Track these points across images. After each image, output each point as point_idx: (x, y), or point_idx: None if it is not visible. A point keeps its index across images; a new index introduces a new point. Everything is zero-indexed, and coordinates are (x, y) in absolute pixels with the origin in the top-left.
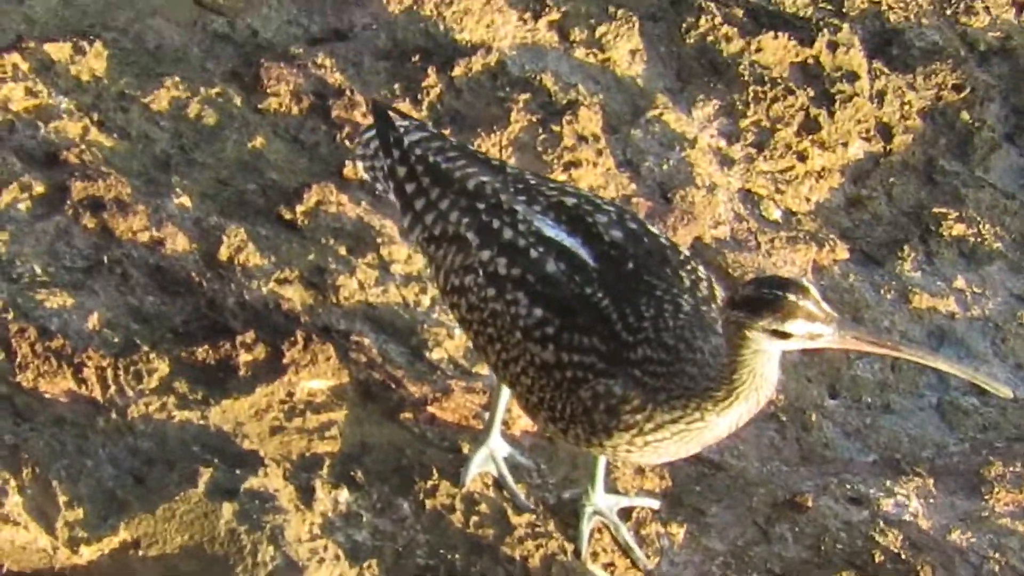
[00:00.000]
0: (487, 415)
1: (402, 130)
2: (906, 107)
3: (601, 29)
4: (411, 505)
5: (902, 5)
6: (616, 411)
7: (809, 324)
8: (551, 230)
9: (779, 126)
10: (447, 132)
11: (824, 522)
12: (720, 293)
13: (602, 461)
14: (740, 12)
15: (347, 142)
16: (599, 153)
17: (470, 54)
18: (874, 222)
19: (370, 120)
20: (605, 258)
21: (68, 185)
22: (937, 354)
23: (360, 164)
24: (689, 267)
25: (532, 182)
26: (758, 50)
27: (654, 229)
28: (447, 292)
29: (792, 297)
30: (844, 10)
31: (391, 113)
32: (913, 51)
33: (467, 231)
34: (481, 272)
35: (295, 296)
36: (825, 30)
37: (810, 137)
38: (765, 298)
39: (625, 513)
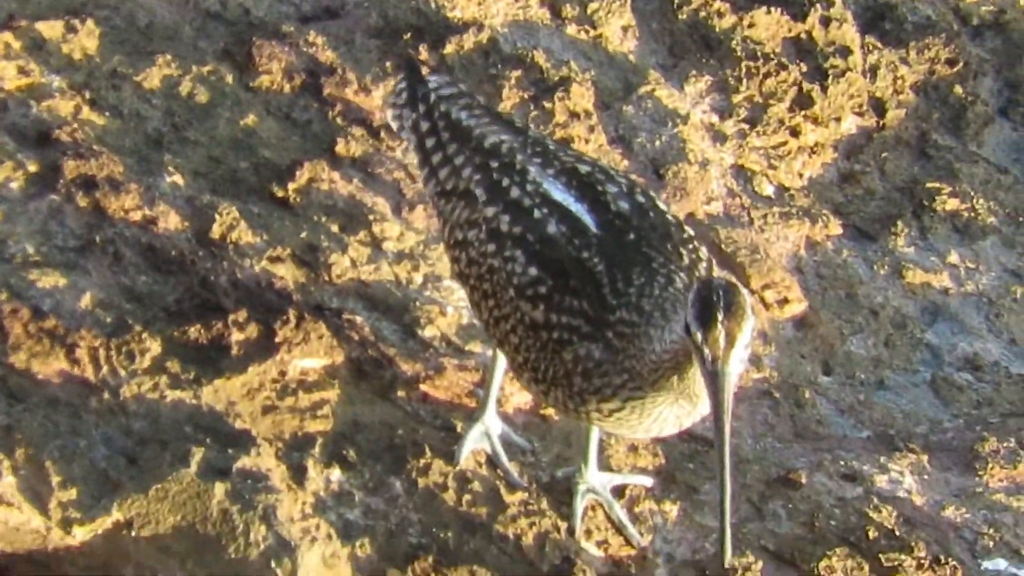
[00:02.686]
0: (481, 393)
1: (431, 85)
2: (899, 82)
3: (593, 5)
4: (403, 484)
5: None
6: (590, 375)
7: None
8: (559, 193)
9: (772, 101)
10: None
11: (818, 499)
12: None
13: (595, 439)
14: None
15: (339, 120)
16: (591, 129)
17: (461, 31)
18: (867, 197)
19: (362, 98)
20: (608, 226)
21: (60, 164)
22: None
23: (389, 113)
24: (691, 246)
25: (551, 147)
26: (751, 25)
27: (662, 205)
28: (451, 246)
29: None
30: None
31: (421, 67)
32: (906, 26)
33: (476, 187)
34: (484, 227)
35: (287, 274)
36: (817, 5)
37: (803, 112)
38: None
39: (618, 491)
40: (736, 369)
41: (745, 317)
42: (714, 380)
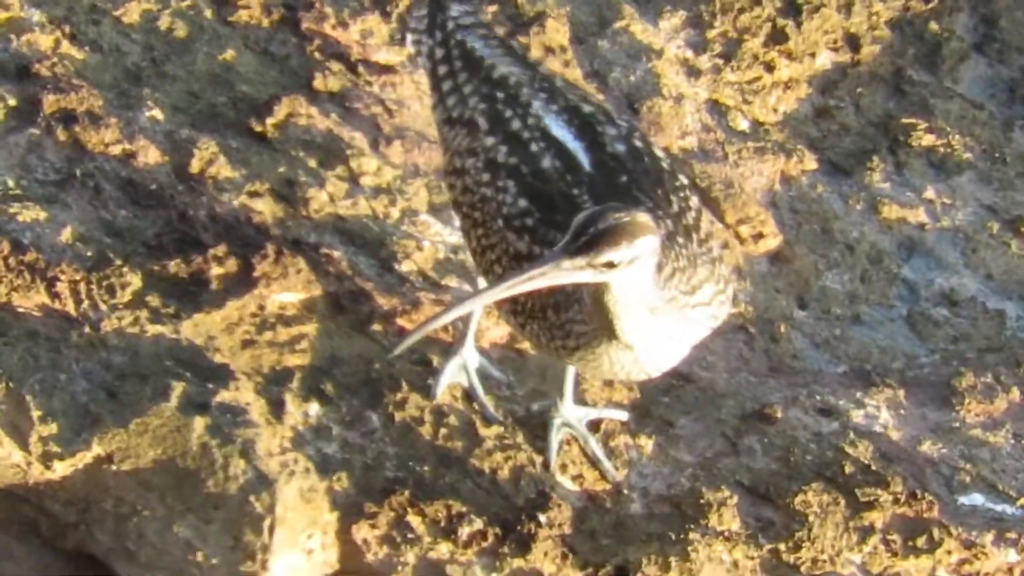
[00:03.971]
0: (460, 326)
1: (452, 13)
2: (874, 17)
3: None
4: (380, 418)
5: None
6: (559, 308)
7: None
8: (559, 130)
9: (746, 36)
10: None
11: (793, 433)
12: (706, 227)
13: (571, 373)
14: None
15: (317, 54)
16: (566, 64)
17: None
18: (842, 133)
19: (339, 32)
20: (601, 166)
21: (40, 98)
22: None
23: (408, 38)
24: (682, 194)
25: (559, 85)
26: None
27: (659, 152)
28: (449, 173)
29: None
30: None
31: None
32: None
33: (480, 116)
34: (482, 156)
35: (266, 209)
36: None
37: (777, 48)
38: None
39: (594, 425)
40: (570, 271)
41: (609, 240)
42: (537, 260)
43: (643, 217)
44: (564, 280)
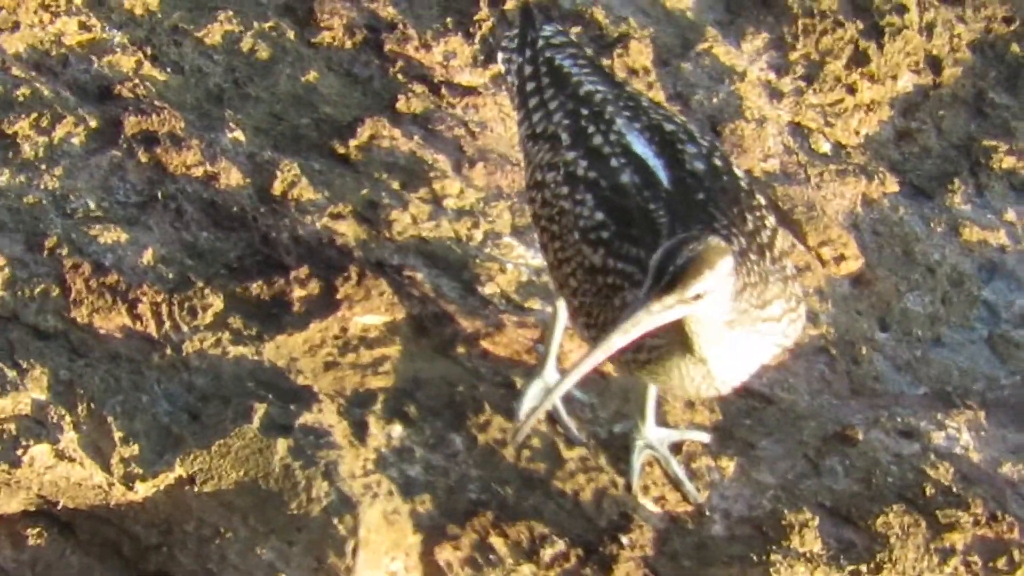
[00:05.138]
0: (541, 349)
1: (544, 33)
2: (956, 39)
3: None
4: (463, 440)
5: None
6: None
7: None
8: (640, 146)
9: (828, 59)
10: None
11: (875, 455)
12: (781, 245)
13: (652, 395)
14: None
15: (400, 76)
16: (649, 86)
17: None
18: (924, 155)
19: (423, 54)
20: (680, 183)
21: (122, 120)
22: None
23: (499, 56)
24: (758, 213)
25: (644, 104)
26: None
27: (739, 172)
28: (530, 186)
29: None
30: None
31: (535, 15)
32: None
33: (563, 131)
34: (562, 170)
35: (348, 231)
36: None
37: (859, 70)
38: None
39: (676, 447)
40: (659, 313)
41: (692, 272)
42: (628, 308)
43: (715, 240)
44: (659, 323)
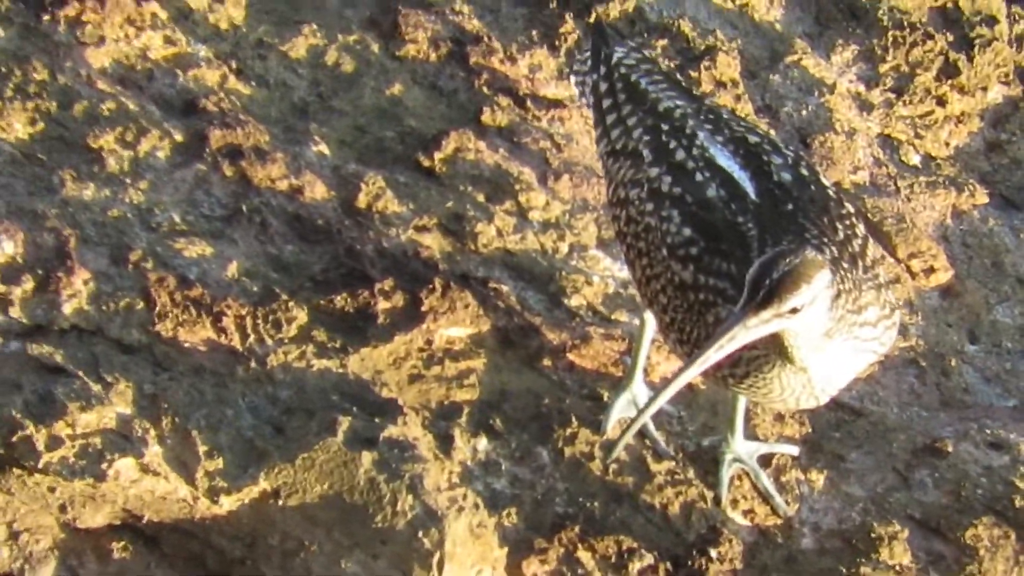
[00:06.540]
0: (628, 362)
1: (617, 51)
2: None
3: None
4: (550, 453)
5: None
6: None
7: None
8: (724, 160)
9: (918, 71)
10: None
11: (964, 467)
12: (872, 253)
13: (741, 408)
14: None
15: (485, 89)
16: (738, 99)
17: (608, 0)
18: (1014, 166)
19: (508, 67)
20: (767, 195)
21: (206, 133)
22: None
23: (572, 79)
24: (848, 222)
25: (725, 116)
26: None
27: (825, 180)
28: (613, 204)
29: None
30: None
31: (608, 33)
32: None
33: (644, 147)
34: (646, 187)
35: (433, 243)
36: None
37: (949, 82)
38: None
39: (765, 460)
40: (756, 327)
41: (788, 286)
42: (723, 323)
43: (811, 254)
44: (755, 337)
